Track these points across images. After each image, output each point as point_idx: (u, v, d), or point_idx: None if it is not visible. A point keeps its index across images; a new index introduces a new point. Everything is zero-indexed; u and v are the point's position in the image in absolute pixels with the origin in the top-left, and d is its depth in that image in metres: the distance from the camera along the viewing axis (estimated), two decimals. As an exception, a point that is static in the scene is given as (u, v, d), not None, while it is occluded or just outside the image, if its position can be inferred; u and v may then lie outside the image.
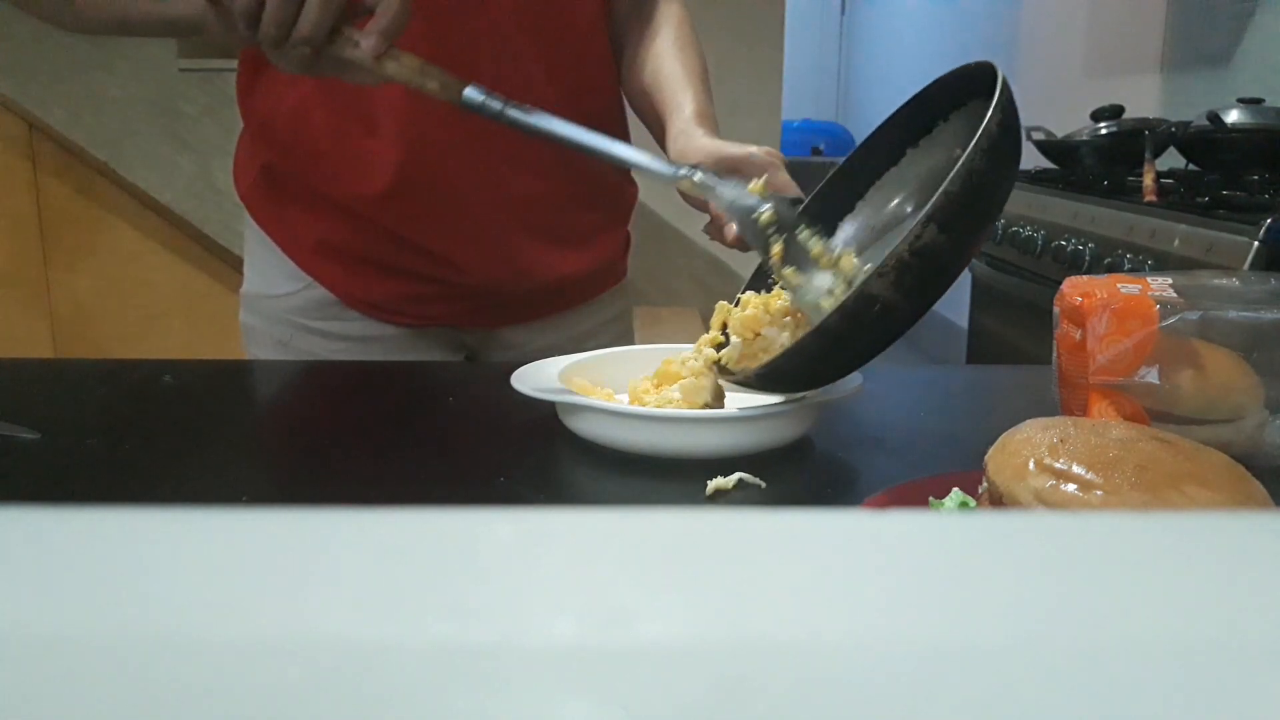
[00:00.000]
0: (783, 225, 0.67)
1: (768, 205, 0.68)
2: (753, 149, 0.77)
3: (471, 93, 0.67)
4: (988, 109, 0.56)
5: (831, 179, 0.75)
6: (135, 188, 2.41)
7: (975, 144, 0.56)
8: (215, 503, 0.31)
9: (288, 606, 0.14)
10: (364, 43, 0.65)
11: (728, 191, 0.68)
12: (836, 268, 0.67)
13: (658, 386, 0.71)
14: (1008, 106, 0.58)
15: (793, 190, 0.76)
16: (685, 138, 0.81)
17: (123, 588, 0.14)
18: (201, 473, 0.64)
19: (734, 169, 0.77)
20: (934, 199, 0.55)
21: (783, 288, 0.67)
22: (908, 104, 0.70)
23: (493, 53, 0.83)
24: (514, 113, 0.67)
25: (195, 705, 0.12)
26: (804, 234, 0.68)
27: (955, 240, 0.57)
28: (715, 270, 2.61)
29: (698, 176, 0.68)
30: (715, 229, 0.77)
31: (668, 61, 0.89)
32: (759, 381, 0.63)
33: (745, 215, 0.68)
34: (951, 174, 0.56)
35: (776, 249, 0.67)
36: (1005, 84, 0.59)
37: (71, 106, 2.37)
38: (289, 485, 0.64)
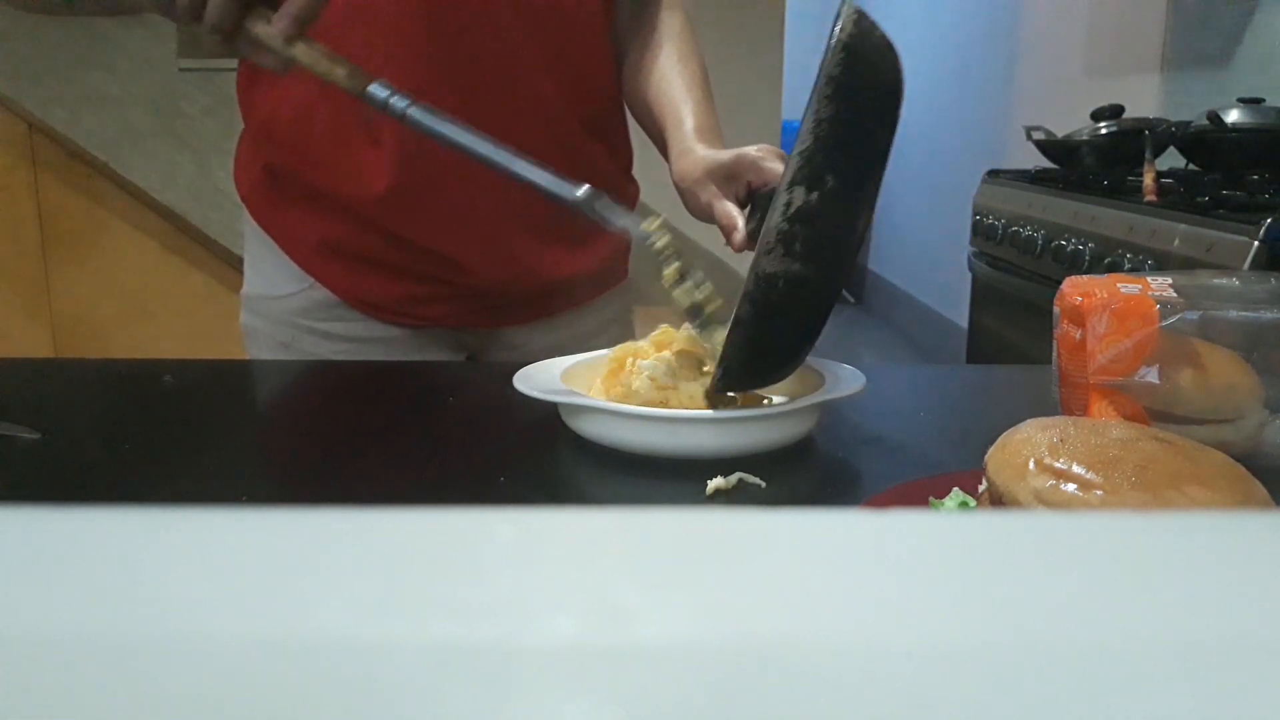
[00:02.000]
0: (676, 252, 0.71)
1: (658, 235, 0.71)
2: (745, 150, 0.77)
3: (376, 89, 0.68)
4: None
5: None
6: (135, 188, 2.41)
7: (816, 92, 0.54)
8: (215, 503, 0.31)
9: (288, 606, 0.14)
10: (276, 23, 0.66)
11: (621, 220, 0.71)
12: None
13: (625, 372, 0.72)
14: (851, 43, 0.55)
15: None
16: (686, 156, 0.81)
17: (123, 588, 0.14)
18: (201, 473, 0.64)
19: (731, 174, 0.77)
20: (790, 161, 0.54)
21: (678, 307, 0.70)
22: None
23: (493, 49, 0.83)
24: (416, 113, 0.68)
25: (196, 705, 0.12)
26: (697, 275, 0.71)
27: (830, 196, 0.55)
28: (715, 270, 2.61)
29: (597, 204, 0.70)
30: (728, 242, 0.78)
31: (669, 74, 0.89)
32: (722, 386, 0.64)
33: (641, 240, 0.71)
34: (800, 131, 0.54)
35: (669, 271, 0.70)
36: (847, 16, 0.55)
37: (71, 106, 2.37)
38: (289, 485, 0.64)
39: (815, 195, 0.55)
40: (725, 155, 0.77)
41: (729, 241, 0.76)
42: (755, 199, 0.77)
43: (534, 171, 0.70)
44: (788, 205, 0.54)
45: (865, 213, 0.59)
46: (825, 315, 0.63)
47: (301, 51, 0.67)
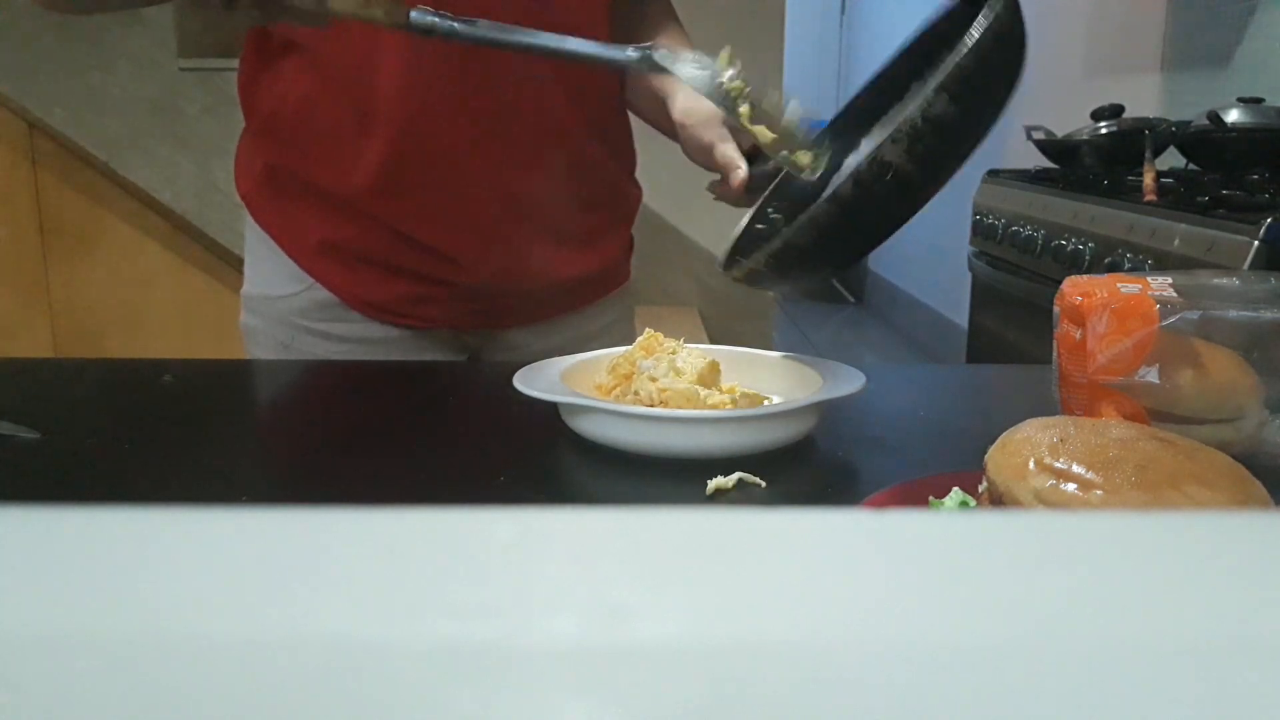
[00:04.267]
0: (747, 92, 0.71)
1: (731, 71, 0.70)
2: None
3: (418, 16, 0.68)
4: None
5: (836, 119, 0.77)
6: (135, 187, 2.41)
7: (986, 25, 0.58)
8: (215, 503, 0.31)
9: (288, 606, 0.14)
10: None
11: (688, 68, 0.70)
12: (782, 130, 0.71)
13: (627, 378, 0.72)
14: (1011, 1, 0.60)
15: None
16: (694, 100, 0.82)
17: (123, 588, 0.14)
18: (201, 473, 0.64)
19: (739, 128, 0.78)
20: (945, 69, 0.57)
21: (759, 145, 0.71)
22: (914, 38, 0.72)
23: (502, 52, 0.83)
24: (460, 26, 0.69)
25: (195, 705, 0.12)
26: (768, 101, 0.71)
27: (964, 113, 0.58)
28: (715, 270, 2.61)
29: (658, 54, 0.70)
30: (724, 185, 0.78)
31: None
32: (773, 262, 0.63)
33: (710, 82, 0.70)
34: (962, 48, 0.57)
35: (744, 109, 0.70)
36: None
37: (71, 106, 2.37)
38: (289, 485, 0.64)
39: (955, 108, 0.57)
40: None
41: (727, 180, 0.76)
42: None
43: (584, 44, 0.71)
44: (929, 105, 0.57)
45: (973, 149, 0.62)
46: (892, 231, 0.64)
47: (337, 2, 0.67)
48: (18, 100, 2.35)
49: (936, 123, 0.57)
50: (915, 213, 0.62)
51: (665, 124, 0.88)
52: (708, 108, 0.80)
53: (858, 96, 0.76)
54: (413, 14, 0.68)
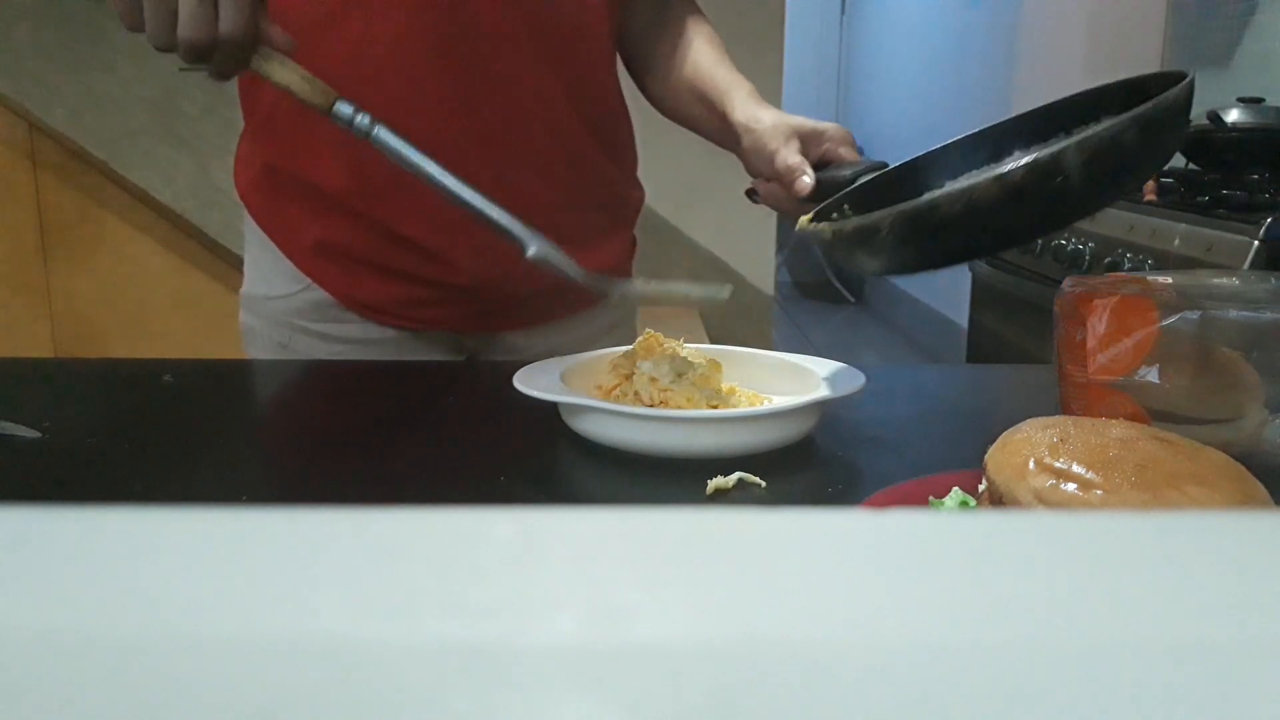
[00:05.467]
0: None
1: (726, 288, 0.73)
2: (831, 124, 0.79)
3: (341, 107, 0.70)
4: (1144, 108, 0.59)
5: (923, 158, 0.76)
6: (135, 187, 2.41)
7: (1184, 85, 0.58)
8: (215, 503, 0.31)
9: (288, 606, 0.14)
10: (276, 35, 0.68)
11: (574, 273, 0.74)
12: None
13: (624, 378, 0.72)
14: (1185, 102, 0.60)
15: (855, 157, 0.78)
16: (764, 108, 0.82)
17: (123, 588, 0.14)
18: (201, 473, 0.64)
19: (811, 139, 0.78)
20: (1145, 106, 0.56)
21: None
22: (1041, 109, 0.72)
23: (498, 52, 0.83)
24: (382, 134, 0.71)
25: (196, 705, 0.12)
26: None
27: (1144, 153, 0.58)
28: (715, 270, 2.61)
29: (552, 258, 0.73)
30: (770, 190, 0.78)
31: (709, 57, 0.90)
32: (900, 219, 0.61)
33: (616, 294, 0.74)
34: (1166, 93, 0.57)
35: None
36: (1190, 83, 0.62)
37: (71, 106, 2.37)
38: (289, 485, 0.64)
39: (1141, 147, 0.56)
40: (809, 121, 0.79)
41: (793, 185, 0.76)
42: (825, 167, 0.78)
43: (494, 210, 0.71)
44: (1123, 130, 0.56)
45: (1110, 199, 0.62)
46: (1024, 239, 0.64)
47: (277, 71, 0.68)
48: (18, 100, 2.35)
49: (1121, 150, 0.56)
50: (1032, 239, 0.62)
51: (716, 128, 0.87)
52: (774, 114, 0.79)
53: (958, 140, 0.76)
54: (337, 105, 0.69)
